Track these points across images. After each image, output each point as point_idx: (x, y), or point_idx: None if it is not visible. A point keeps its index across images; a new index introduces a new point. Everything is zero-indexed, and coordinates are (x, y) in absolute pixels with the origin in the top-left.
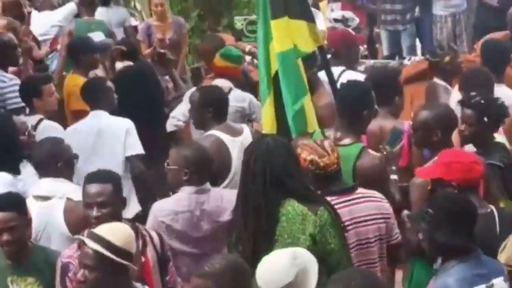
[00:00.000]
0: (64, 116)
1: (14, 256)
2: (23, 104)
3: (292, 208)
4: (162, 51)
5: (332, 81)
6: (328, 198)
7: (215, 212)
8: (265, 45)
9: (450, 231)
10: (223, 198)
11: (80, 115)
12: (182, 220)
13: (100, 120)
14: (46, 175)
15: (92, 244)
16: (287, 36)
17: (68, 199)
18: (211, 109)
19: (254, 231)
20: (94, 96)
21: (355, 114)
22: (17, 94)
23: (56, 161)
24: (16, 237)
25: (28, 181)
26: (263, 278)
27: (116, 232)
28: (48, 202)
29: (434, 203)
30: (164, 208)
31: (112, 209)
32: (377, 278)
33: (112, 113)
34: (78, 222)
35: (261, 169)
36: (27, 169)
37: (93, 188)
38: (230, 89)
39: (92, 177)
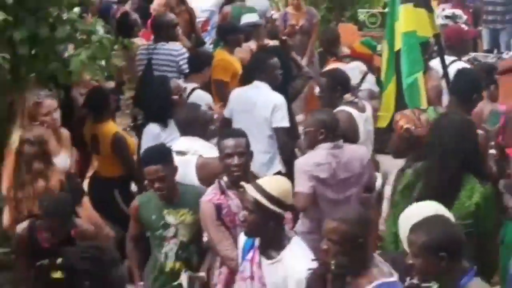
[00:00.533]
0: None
1: (167, 197)
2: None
3: (466, 176)
4: (284, 37)
5: (445, 66)
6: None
7: (349, 163)
8: (392, 25)
9: None
10: (355, 152)
11: (220, 83)
12: (323, 170)
13: (258, 92)
14: (185, 134)
15: (251, 192)
16: (411, 20)
17: (200, 156)
18: (340, 87)
19: (431, 192)
20: (256, 69)
21: (466, 96)
22: (186, 60)
23: (193, 123)
24: (165, 185)
25: (172, 132)
26: (406, 221)
27: (274, 183)
28: (185, 157)
29: None
30: (309, 161)
31: (247, 158)
32: (458, 228)
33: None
34: (207, 176)
35: (448, 142)
36: (173, 124)
37: (232, 141)
38: (366, 73)
39: (229, 133)
